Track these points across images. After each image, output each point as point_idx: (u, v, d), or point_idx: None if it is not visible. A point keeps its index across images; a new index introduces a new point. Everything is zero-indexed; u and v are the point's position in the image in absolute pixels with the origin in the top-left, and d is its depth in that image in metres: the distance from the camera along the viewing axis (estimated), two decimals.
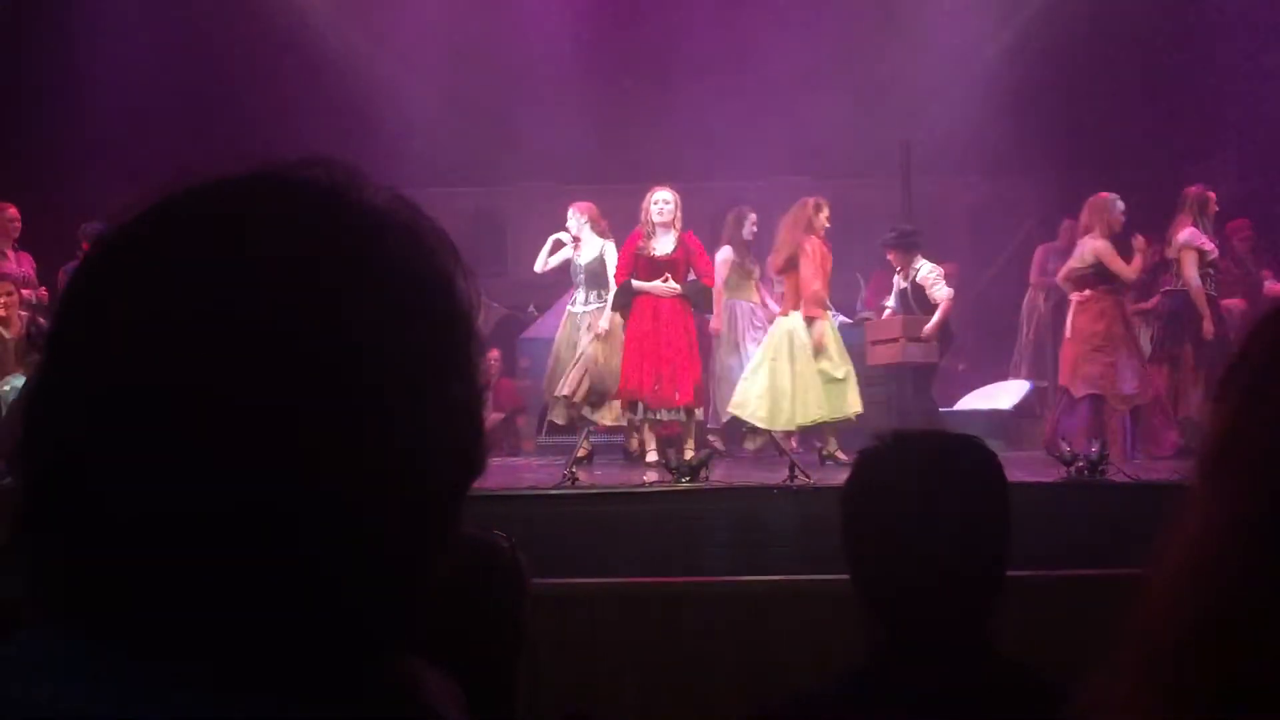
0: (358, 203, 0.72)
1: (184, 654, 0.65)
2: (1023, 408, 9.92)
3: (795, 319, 8.09)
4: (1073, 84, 11.30)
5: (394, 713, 0.72)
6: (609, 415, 8.45)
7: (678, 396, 7.95)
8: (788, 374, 8.04)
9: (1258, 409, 0.70)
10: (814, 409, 7.99)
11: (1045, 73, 11.07)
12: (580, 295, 8.45)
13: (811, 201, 8.19)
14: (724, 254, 8.65)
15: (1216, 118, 10.45)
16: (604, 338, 8.25)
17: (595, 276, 8.36)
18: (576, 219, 8.45)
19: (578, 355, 8.29)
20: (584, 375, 8.28)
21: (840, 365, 8.05)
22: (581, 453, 8.14)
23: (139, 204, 0.72)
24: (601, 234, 8.43)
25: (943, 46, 11.01)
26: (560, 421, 8.54)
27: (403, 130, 10.81)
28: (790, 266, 8.12)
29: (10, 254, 8.36)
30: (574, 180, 12.22)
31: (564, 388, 8.29)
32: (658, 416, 8.04)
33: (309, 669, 0.67)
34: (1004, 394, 10.05)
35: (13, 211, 8.38)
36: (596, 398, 8.36)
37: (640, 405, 8.02)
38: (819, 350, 8.02)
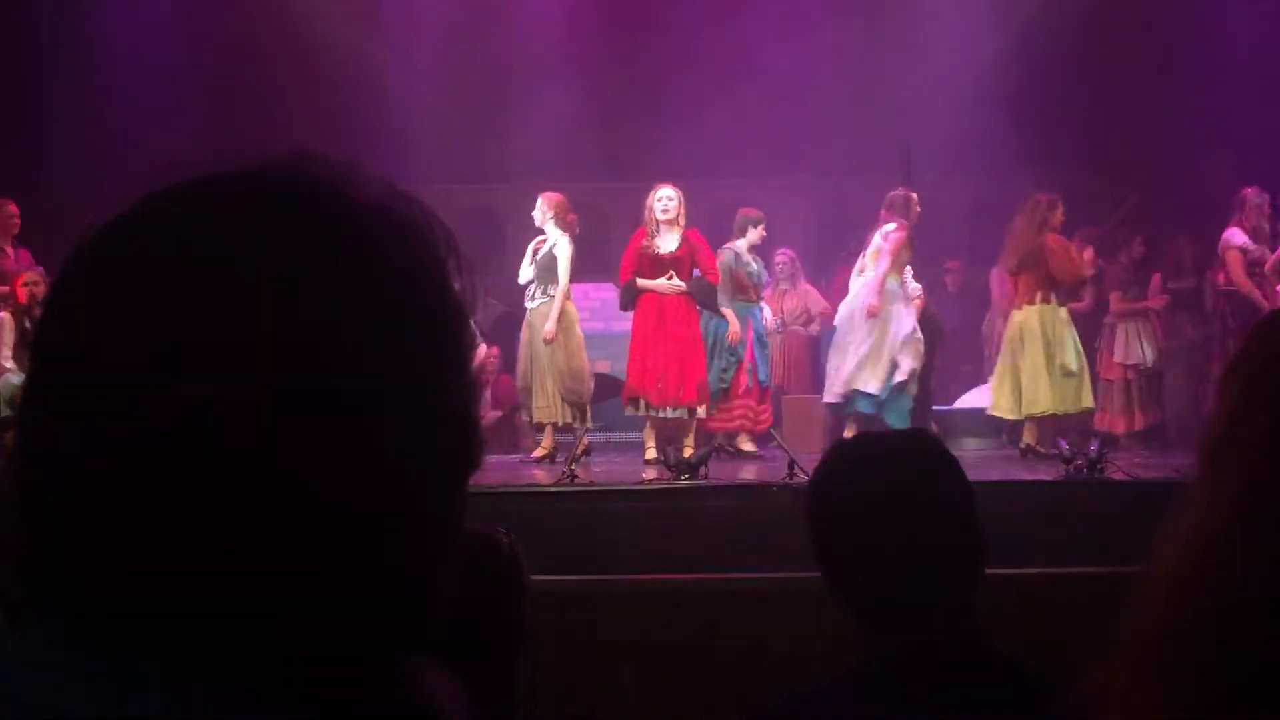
0: (348, 199, 0.71)
1: (182, 654, 0.65)
2: None
3: (1029, 313, 8.20)
4: (1073, 83, 11.29)
5: (397, 713, 0.71)
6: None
7: (682, 394, 7.97)
8: (1024, 366, 8.16)
9: (1257, 403, 0.70)
10: (1043, 401, 8.06)
11: (1046, 71, 11.06)
12: (532, 290, 8.29)
13: (1045, 200, 8.27)
14: (899, 236, 8.43)
15: (1217, 116, 10.43)
16: (552, 341, 8.08)
17: (546, 271, 8.18)
18: (542, 211, 8.29)
19: (541, 368, 8.13)
20: (551, 389, 8.11)
21: (1076, 360, 8.15)
22: (579, 449, 8.13)
23: (121, 205, 0.70)
24: (566, 228, 8.23)
25: (943, 45, 10.99)
26: (532, 420, 8.42)
27: (402, 126, 10.79)
28: (1025, 266, 8.20)
29: (9, 250, 8.38)
30: (573, 177, 12.21)
31: (543, 413, 8.16)
32: (662, 414, 8.04)
33: (309, 670, 0.67)
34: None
35: (13, 208, 8.40)
36: (576, 400, 8.23)
37: (643, 402, 8.02)
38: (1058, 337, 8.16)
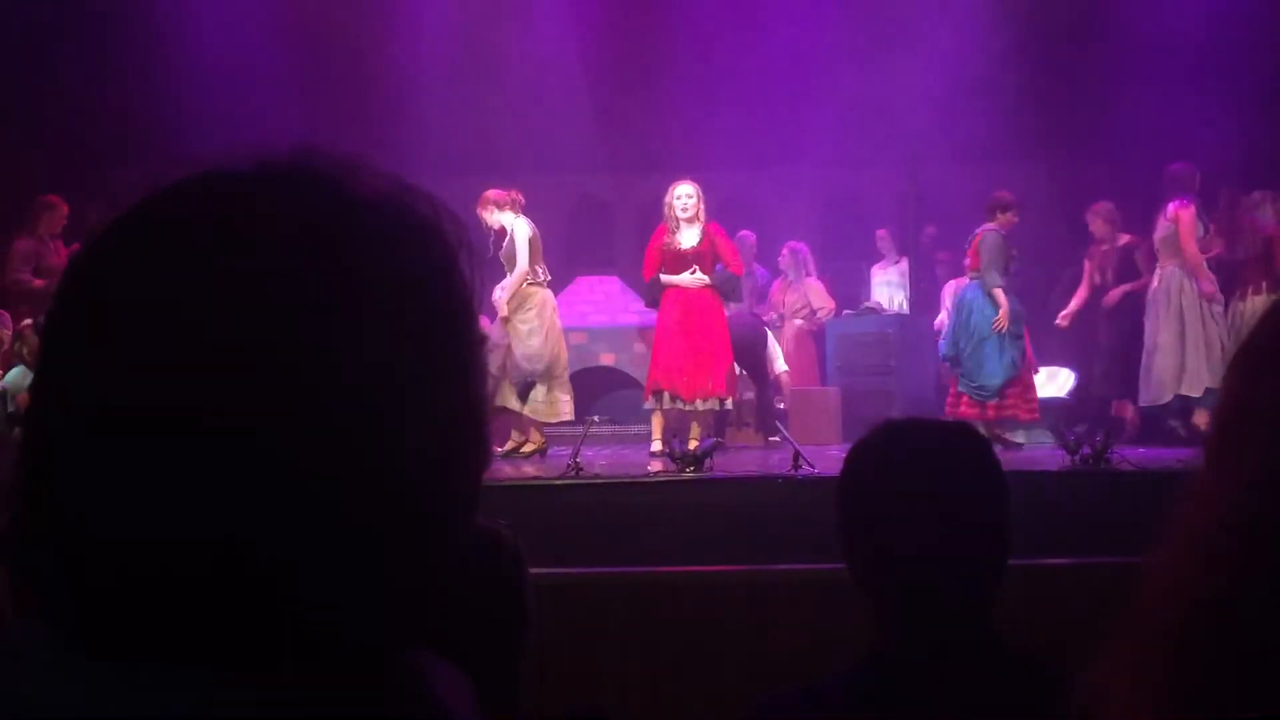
0: (351, 195, 0.70)
1: (184, 655, 0.65)
2: (1079, 395, 9.56)
3: (1255, 302, 8.28)
4: (1080, 70, 11.26)
5: (404, 711, 0.71)
6: (553, 411, 8.25)
7: (712, 386, 8.01)
8: None
9: (1263, 391, 0.70)
10: None
11: (1051, 59, 11.03)
12: (505, 281, 8.26)
13: (1268, 194, 8.45)
14: (1190, 213, 8.11)
15: (1223, 101, 10.40)
16: (506, 318, 7.99)
17: (510, 260, 8.10)
18: (485, 217, 8.13)
19: (501, 357, 8.03)
20: (500, 375, 8.00)
21: None
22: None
23: (122, 205, 0.70)
24: (515, 209, 8.13)
25: (947, 36, 10.96)
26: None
27: (404, 120, 10.78)
28: (1256, 254, 8.36)
29: (53, 246, 8.55)
30: (577, 169, 12.19)
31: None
32: (693, 407, 8.05)
33: (316, 669, 0.67)
34: (1052, 382, 9.64)
35: (64, 208, 8.61)
36: (522, 389, 8.14)
37: (667, 395, 8.03)
38: None
